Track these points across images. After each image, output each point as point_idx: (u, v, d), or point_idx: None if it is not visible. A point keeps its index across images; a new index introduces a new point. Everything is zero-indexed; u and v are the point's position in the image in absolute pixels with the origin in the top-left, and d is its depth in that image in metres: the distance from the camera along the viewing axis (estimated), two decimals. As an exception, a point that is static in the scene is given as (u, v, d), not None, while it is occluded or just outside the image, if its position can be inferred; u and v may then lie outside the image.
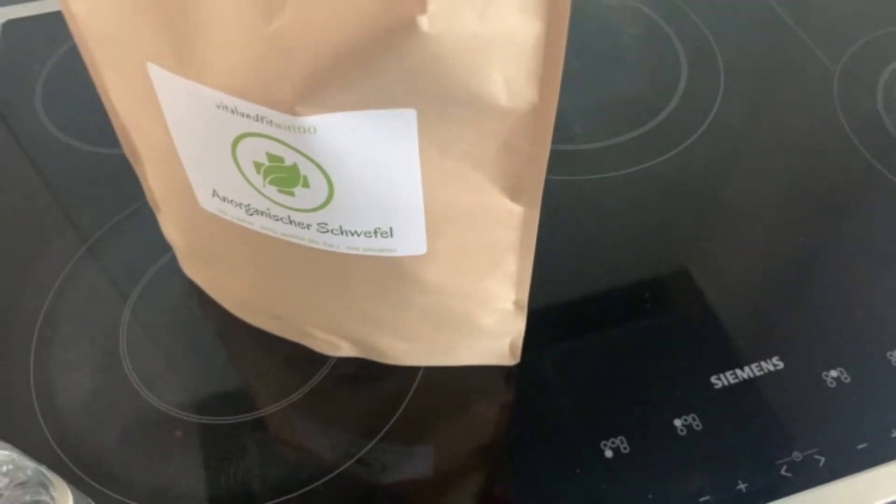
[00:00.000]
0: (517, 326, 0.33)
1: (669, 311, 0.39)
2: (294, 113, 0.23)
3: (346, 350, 0.35)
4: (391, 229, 0.26)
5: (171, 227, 0.36)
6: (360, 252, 0.28)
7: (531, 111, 0.23)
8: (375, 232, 0.27)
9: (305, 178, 0.25)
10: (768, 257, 0.42)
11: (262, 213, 0.28)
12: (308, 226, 0.27)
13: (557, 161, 0.45)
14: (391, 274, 0.29)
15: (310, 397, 0.36)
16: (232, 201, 0.28)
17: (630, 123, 0.47)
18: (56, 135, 0.46)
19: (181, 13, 0.22)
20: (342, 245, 0.28)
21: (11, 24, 0.52)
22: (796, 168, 0.45)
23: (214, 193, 0.29)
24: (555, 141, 0.46)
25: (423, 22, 0.19)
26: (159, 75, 0.25)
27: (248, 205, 0.28)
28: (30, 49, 0.50)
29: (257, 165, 0.26)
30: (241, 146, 0.25)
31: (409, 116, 0.22)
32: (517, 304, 0.32)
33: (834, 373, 0.37)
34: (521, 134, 0.24)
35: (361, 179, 0.25)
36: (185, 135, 0.27)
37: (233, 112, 0.24)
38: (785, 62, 0.51)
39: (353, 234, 0.27)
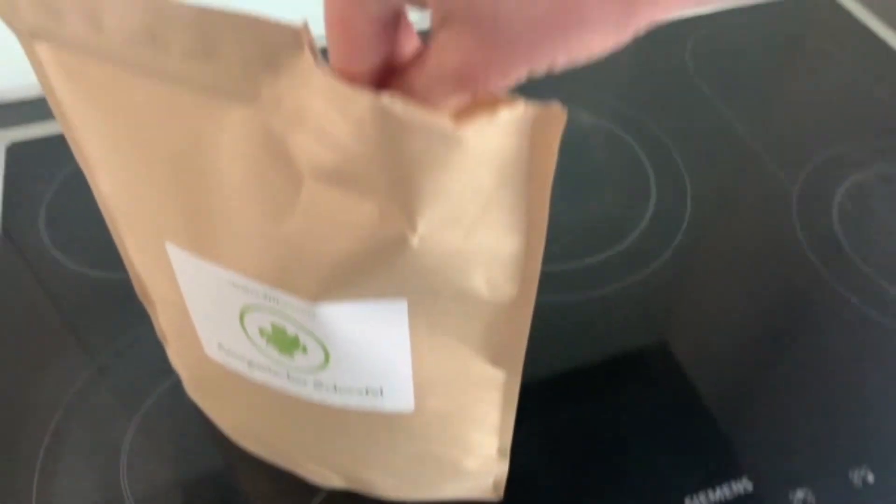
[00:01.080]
0: (500, 468, 0.35)
1: (640, 431, 0.41)
2: (298, 297, 0.25)
3: (336, 482, 0.37)
4: (381, 389, 0.29)
5: (178, 361, 0.38)
6: (353, 406, 0.30)
7: (512, 302, 0.26)
8: (366, 391, 0.29)
9: (304, 346, 0.28)
10: (735, 377, 0.44)
11: (262, 368, 0.30)
12: (305, 382, 0.30)
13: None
14: (381, 425, 0.31)
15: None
16: (235, 355, 0.31)
17: (603, 244, 0.50)
18: (59, 258, 0.48)
19: (198, 207, 0.25)
20: (336, 400, 0.30)
21: (16, 146, 0.54)
22: (761, 288, 0.48)
23: (220, 346, 0.31)
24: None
25: (414, 240, 0.22)
26: (176, 252, 0.27)
27: (251, 360, 0.30)
28: (34, 171, 0.53)
29: (261, 331, 0.28)
30: (247, 315, 0.28)
31: (400, 305, 0.25)
32: (500, 450, 0.34)
33: (801, 493, 0.39)
34: (503, 318, 0.26)
35: (355, 351, 0.27)
36: (197, 299, 0.29)
37: (243, 289, 0.26)
38: (747, 182, 0.55)
39: (346, 392, 0.29)
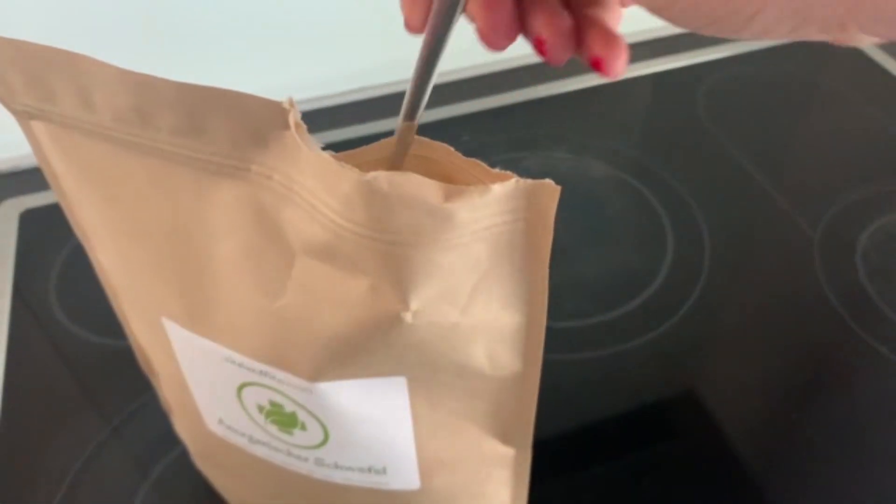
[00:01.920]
0: None
1: (664, 488, 0.40)
2: (294, 375, 0.24)
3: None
4: (384, 468, 0.28)
5: (183, 433, 0.37)
6: (355, 483, 0.29)
7: (516, 378, 0.24)
8: (369, 469, 0.28)
9: (303, 423, 0.27)
10: (761, 431, 0.42)
11: (263, 444, 0.29)
12: (306, 459, 0.29)
13: (550, 340, 0.46)
14: (385, 502, 0.30)
15: None
16: (236, 430, 0.30)
17: (620, 298, 0.49)
18: (68, 325, 0.48)
19: (193, 283, 0.25)
20: (338, 477, 0.29)
21: (29, 213, 0.55)
22: (784, 341, 0.47)
23: (220, 421, 0.30)
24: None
25: (407, 317, 0.21)
26: (172, 327, 0.27)
27: (251, 436, 0.29)
28: (46, 238, 0.53)
29: (259, 407, 0.27)
30: (245, 391, 0.27)
31: (399, 383, 0.24)
32: None
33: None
34: (508, 394, 0.25)
35: (355, 430, 0.26)
36: (195, 375, 0.28)
37: (239, 366, 0.26)
38: (767, 230, 0.53)
39: (347, 469, 0.28)
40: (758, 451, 0.41)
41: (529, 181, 0.19)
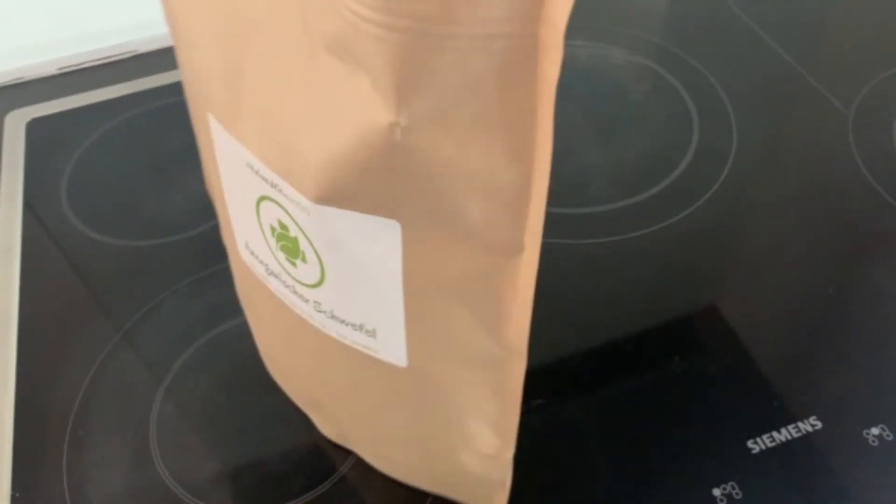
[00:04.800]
0: (499, 482, 0.31)
1: (697, 375, 0.38)
2: (297, 190, 0.23)
3: (331, 433, 0.36)
4: (375, 330, 0.26)
5: (233, 265, 0.36)
6: (348, 342, 0.28)
7: (515, 255, 0.22)
8: (361, 327, 0.27)
9: (304, 252, 0.26)
10: (796, 313, 0.40)
11: (275, 276, 0.29)
12: (307, 300, 0.28)
13: (573, 225, 0.45)
14: (373, 374, 0.28)
15: (341, 486, 0.35)
16: (257, 257, 0.29)
17: (645, 182, 0.47)
18: (81, 228, 0.47)
19: (232, 70, 0.24)
20: (334, 330, 0.28)
21: (35, 122, 0.54)
22: (818, 218, 0.44)
23: (246, 245, 0.30)
24: (569, 205, 0.46)
25: (397, 132, 0.19)
26: (214, 126, 0.26)
27: (267, 265, 0.29)
28: (54, 146, 0.52)
29: (272, 229, 0.27)
30: (262, 206, 0.26)
31: (393, 228, 0.22)
32: (498, 453, 0.30)
33: (875, 430, 0.35)
34: (504, 278, 0.23)
35: (347, 269, 0.25)
36: (229, 184, 0.28)
37: (256, 173, 0.25)
38: (797, 109, 0.50)
39: (342, 323, 0.27)
40: (788, 334, 0.39)
41: None
